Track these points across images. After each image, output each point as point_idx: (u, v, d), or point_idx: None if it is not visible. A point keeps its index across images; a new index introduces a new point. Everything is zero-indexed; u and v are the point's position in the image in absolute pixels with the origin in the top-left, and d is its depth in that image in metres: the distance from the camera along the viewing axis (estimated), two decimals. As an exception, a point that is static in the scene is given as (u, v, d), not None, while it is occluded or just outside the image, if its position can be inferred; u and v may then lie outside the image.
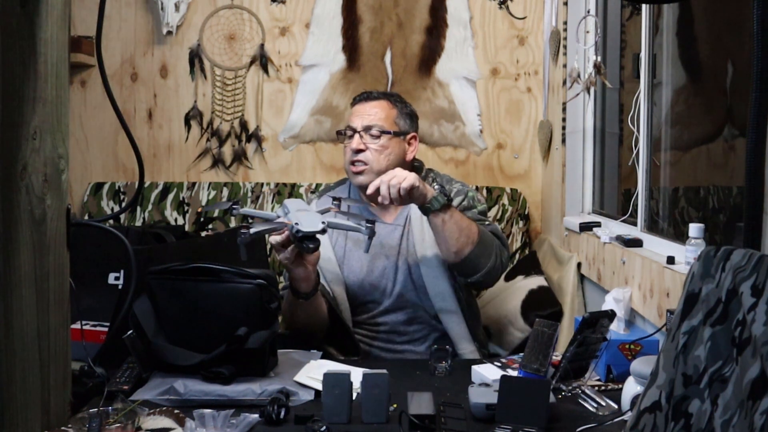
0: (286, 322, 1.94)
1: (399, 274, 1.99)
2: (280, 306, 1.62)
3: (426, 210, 1.81)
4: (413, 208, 1.96)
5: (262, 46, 2.77)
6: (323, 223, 1.64)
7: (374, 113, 2.02)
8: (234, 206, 1.71)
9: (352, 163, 1.99)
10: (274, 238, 1.73)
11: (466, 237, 1.83)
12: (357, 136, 1.99)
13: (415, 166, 2.13)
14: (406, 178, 1.75)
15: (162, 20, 2.73)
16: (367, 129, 2.00)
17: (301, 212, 1.67)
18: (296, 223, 1.62)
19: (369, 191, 1.79)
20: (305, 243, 1.64)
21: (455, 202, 1.98)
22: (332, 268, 1.98)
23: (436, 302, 1.97)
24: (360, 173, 1.99)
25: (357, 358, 1.91)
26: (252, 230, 1.63)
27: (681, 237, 1.75)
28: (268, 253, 2.59)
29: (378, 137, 2.00)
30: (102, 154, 2.80)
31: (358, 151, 1.98)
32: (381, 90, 2.34)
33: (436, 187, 1.82)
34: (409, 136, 2.06)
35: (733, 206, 1.82)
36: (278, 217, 1.71)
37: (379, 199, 1.79)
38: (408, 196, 1.77)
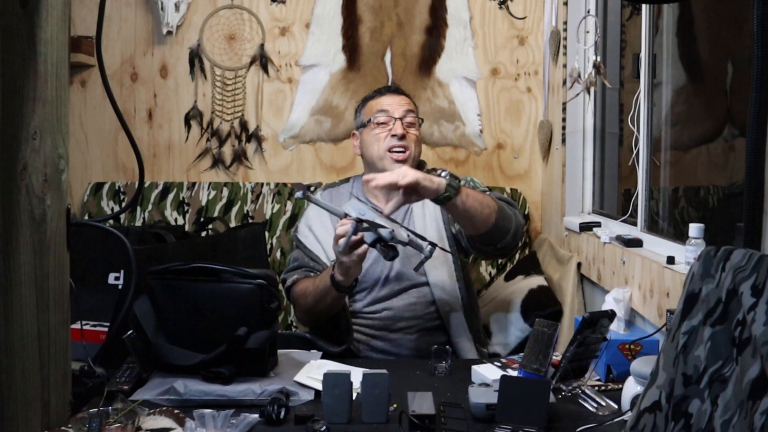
0: (303, 306, 1.93)
1: (396, 263, 1.98)
2: (280, 306, 1.62)
3: (443, 200, 1.76)
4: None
5: (262, 46, 2.77)
6: (392, 232, 1.67)
7: (406, 104, 2.06)
8: (308, 190, 1.73)
9: (392, 149, 1.99)
10: (343, 229, 1.72)
11: (487, 207, 1.84)
12: (399, 122, 2.00)
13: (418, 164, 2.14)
14: (405, 176, 1.70)
15: (162, 20, 2.73)
16: (405, 116, 2.02)
17: (381, 219, 1.70)
18: (392, 231, 1.66)
19: (374, 184, 1.73)
20: (390, 253, 1.68)
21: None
22: (332, 256, 1.98)
23: (435, 291, 1.98)
24: (403, 161, 1.98)
25: (344, 347, 1.90)
26: (317, 194, 1.72)
27: (681, 237, 1.75)
28: (268, 253, 2.60)
29: (413, 125, 2.04)
30: (102, 154, 2.80)
31: (402, 136, 1.98)
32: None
33: (444, 174, 1.79)
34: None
35: (734, 206, 1.82)
36: (345, 215, 1.72)
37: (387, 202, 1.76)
38: (416, 193, 1.73)
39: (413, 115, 2.05)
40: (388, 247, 1.68)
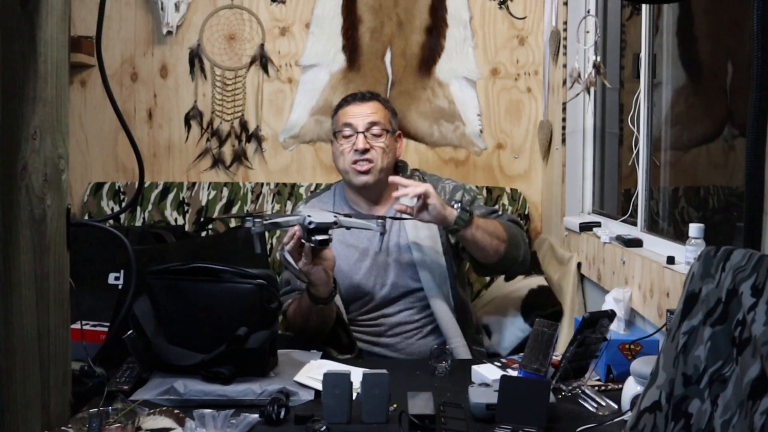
0: (296, 328, 1.95)
1: (390, 271, 2.00)
2: (281, 306, 1.62)
3: (454, 231, 1.84)
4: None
5: (262, 46, 2.77)
6: (335, 216, 1.73)
7: (372, 113, 2.03)
8: (248, 219, 1.71)
9: (356, 162, 1.99)
10: (289, 244, 1.76)
11: (497, 238, 1.89)
12: (361, 136, 1.99)
13: (399, 165, 2.14)
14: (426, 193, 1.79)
15: (162, 20, 2.73)
16: (369, 128, 2.00)
17: (313, 211, 1.76)
18: (308, 215, 1.70)
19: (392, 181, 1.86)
20: (315, 236, 1.69)
21: (457, 197, 2.03)
22: None
23: (429, 295, 1.99)
24: (366, 172, 1.99)
25: (352, 355, 1.91)
26: (265, 221, 1.71)
27: (681, 237, 1.75)
28: (268, 253, 2.60)
29: (380, 136, 2.01)
30: (102, 154, 2.80)
31: (365, 151, 1.98)
32: (375, 91, 2.28)
33: (456, 206, 1.84)
34: (397, 134, 2.10)
35: (733, 206, 1.82)
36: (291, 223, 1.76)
37: (396, 207, 1.84)
38: (426, 212, 1.80)
39: (378, 128, 2.01)
40: (320, 240, 1.71)
